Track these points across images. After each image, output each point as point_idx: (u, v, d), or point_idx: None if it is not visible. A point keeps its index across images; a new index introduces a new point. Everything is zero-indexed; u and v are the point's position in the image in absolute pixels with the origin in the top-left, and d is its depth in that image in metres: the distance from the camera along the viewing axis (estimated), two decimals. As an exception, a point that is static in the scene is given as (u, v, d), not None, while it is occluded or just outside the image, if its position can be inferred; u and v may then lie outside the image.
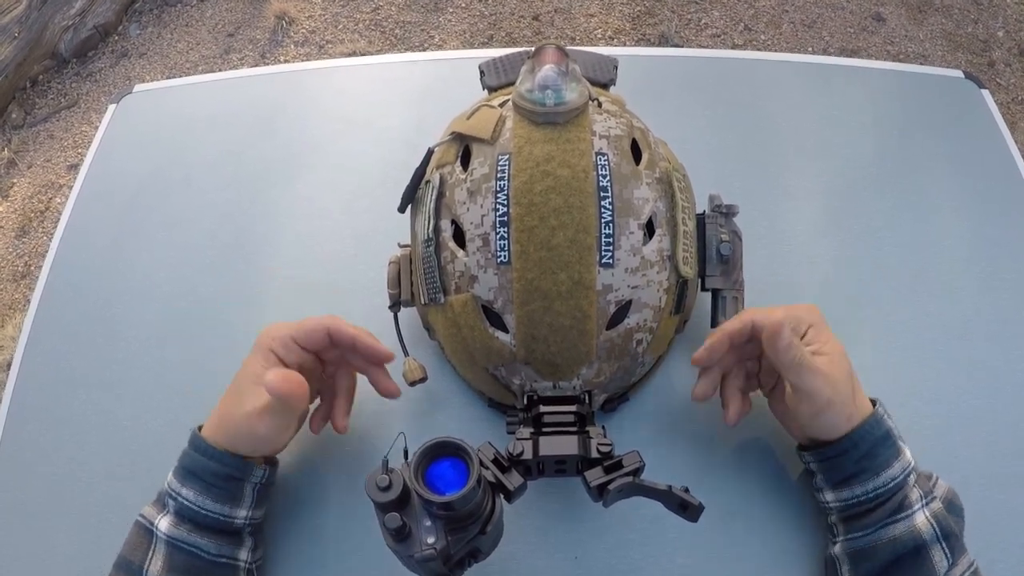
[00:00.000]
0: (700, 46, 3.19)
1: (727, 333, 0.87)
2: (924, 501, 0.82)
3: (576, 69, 0.85)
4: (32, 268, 2.87)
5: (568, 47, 0.91)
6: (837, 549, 0.86)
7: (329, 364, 0.95)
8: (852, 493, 0.84)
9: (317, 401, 0.96)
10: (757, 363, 0.93)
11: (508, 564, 0.92)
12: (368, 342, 0.89)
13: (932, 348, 1.07)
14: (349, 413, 0.95)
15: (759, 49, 3.16)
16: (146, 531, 0.84)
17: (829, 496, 0.87)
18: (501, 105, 0.88)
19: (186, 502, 0.84)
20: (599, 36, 3.23)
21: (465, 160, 0.87)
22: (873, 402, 0.87)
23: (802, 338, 0.86)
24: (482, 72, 1.00)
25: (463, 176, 0.85)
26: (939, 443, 0.98)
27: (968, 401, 1.03)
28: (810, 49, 3.16)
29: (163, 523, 0.84)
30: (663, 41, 3.19)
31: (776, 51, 3.12)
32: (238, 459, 0.85)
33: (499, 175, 0.82)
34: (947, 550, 0.80)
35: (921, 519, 0.81)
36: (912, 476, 0.83)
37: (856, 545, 0.84)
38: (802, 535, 0.93)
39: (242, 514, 0.86)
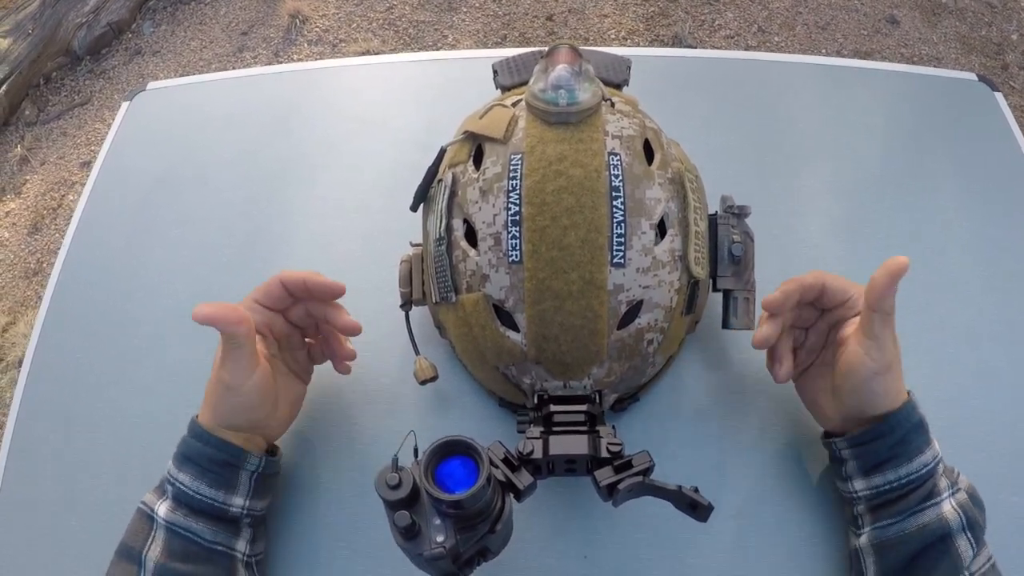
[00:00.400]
0: (713, 47, 3.18)
1: (801, 284, 0.89)
2: (951, 491, 0.82)
3: (589, 69, 0.85)
4: (44, 265, 2.88)
5: (582, 47, 0.91)
6: (863, 541, 0.86)
7: (306, 328, 0.97)
8: (885, 479, 0.84)
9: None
10: (803, 336, 0.95)
11: (517, 563, 0.92)
12: (318, 279, 0.91)
13: (942, 351, 1.06)
14: (344, 343, 0.97)
15: (772, 51, 3.15)
16: (147, 517, 0.85)
17: (859, 484, 0.87)
18: (514, 105, 0.88)
19: (182, 487, 0.85)
20: (612, 36, 3.23)
21: (478, 159, 0.87)
22: (907, 392, 0.87)
23: (856, 312, 0.88)
24: (495, 71, 1.00)
25: (475, 175, 0.85)
26: (947, 445, 0.98)
27: (977, 403, 1.03)
28: (824, 51, 3.15)
29: (162, 508, 0.85)
30: (676, 42, 3.19)
31: (789, 52, 3.12)
32: (231, 444, 0.86)
33: (511, 174, 0.82)
34: (972, 540, 0.80)
35: (948, 508, 0.81)
36: (941, 466, 0.84)
37: (884, 535, 0.84)
38: (813, 536, 0.93)
39: (238, 502, 0.87)
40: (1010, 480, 0.97)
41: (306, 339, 0.99)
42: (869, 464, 0.86)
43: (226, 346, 0.84)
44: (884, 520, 0.84)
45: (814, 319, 0.93)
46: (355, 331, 0.94)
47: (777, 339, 0.92)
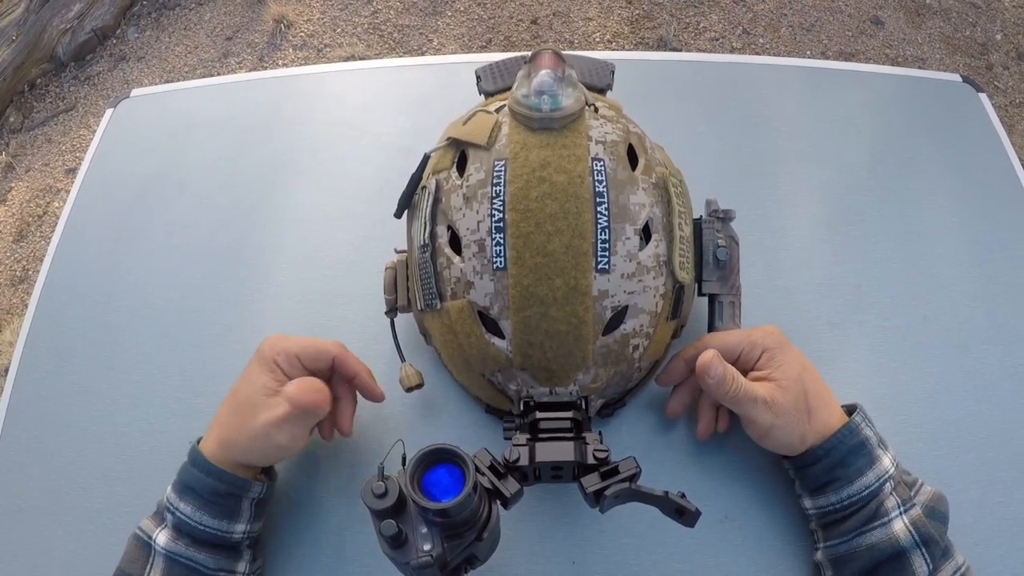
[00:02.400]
0: (698, 50, 3.19)
1: (683, 359, 0.94)
2: (902, 509, 0.83)
3: (572, 74, 0.85)
4: (30, 272, 2.87)
5: (565, 52, 0.91)
6: (819, 555, 0.88)
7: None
8: (827, 500, 0.86)
9: None
10: None
11: (505, 570, 0.92)
12: (368, 382, 0.93)
13: (928, 352, 1.07)
14: (353, 416, 0.95)
15: (757, 53, 3.16)
16: (144, 544, 0.85)
17: (807, 503, 0.90)
18: (497, 110, 0.88)
19: (184, 517, 0.84)
20: (597, 40, 3.23)
21: (461, 166, 0.87)
22: (853, 409, 0.89)
23: (755, 364, 0.90)
24: (479, 77, 1.00)
25: (459, 182, 0.85)
26: (935, 447, 0.99)
27: (964, 405, 1.03)
28: (808, 53, 3.16)
29: (161, 537, 0.84)
30: (661, 45, 3.19)
31: (774, 55, 3.13)
32: (236, 477, 0.86)
33: (495, 181, 0.82)
34: (927, 556, 0.81)
35: (899, 526, 0.82)
36: (888, 484, 0.84)
37: (836, 552, 0.85)
38: (799, 540, 0.93)
39: (240, 528, 0.87)
40: (998, 482, 0.98)
41: None
42: (812, 486, 0.88)
43: (296, 414, 0.84)
44: (834, 539, 0.86)
45: None
46: (343, 433, 0.95)
47: (699, 397, 0.97)
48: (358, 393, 0.96)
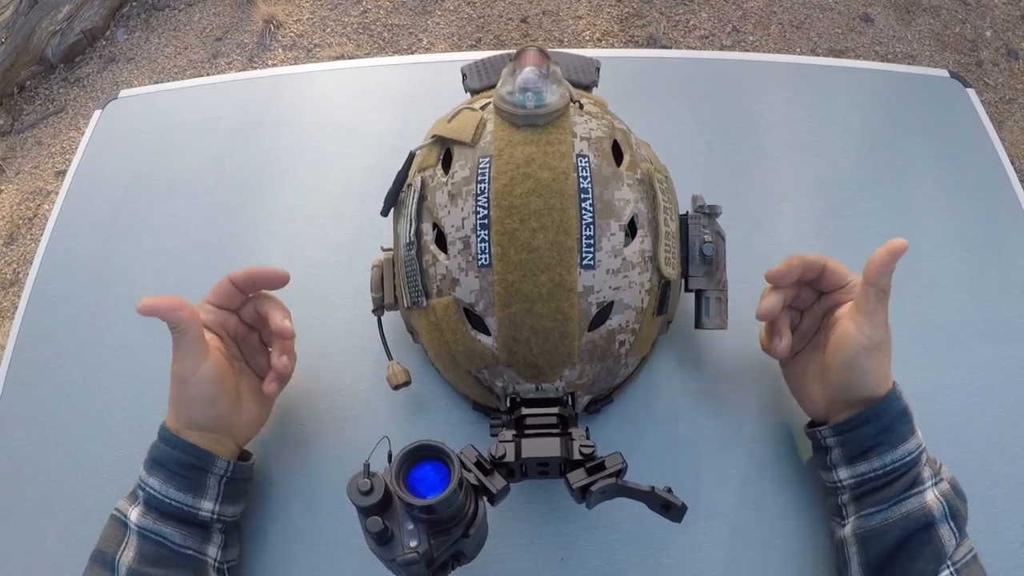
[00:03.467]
0: (688, 47, 3.19)
1: (804, 260, 0.91)
2: (934, 480, 0.84)
3: (557, 71, 0.85)
4: (21, 275, 2.86)
5: (550, 49, 0.91)
6: (847, 531, 0.87)
7: (261, 331, 0.98)
8: (870, 466, 0.85)
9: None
10: (798, 318, 0.96)
11: (494, 567, 0.92)
12: (260, 268, 0.92)
13: (917, 347, 1.07)
14: (288, 352, 0.94)
15: (747, 50, 3.16)
16: (120, 523, 0.86)
17: (843, 472, 0.88)
18: (483, 108, 0.88)
19: (152, 491, 0.85)
20: (587, 38, 3.23)
21: (446, 163, 0.87)
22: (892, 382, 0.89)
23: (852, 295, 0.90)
24: (464, 75, 1.00)
25: (444, 179, 0.85)
26: (927, 441, 0.98)
27: (954, 399, 1.03)
28: (798, 50, 3.16)
29: (134, 513, 0.86)
30: (651, 43, 3.19)
31: (764, 52, 3.13)
32: (198, 448, 0.87)
33: (479, 178, 0.82)
34: (954, 529, 0.81)
35: (931, 496, 0.82)
36: (924, 454, 0.85)
37: (868, 523, 0.84)
38: (788, 533, 0.94)
39: (207, 506, 0.87)
40: (988, 475, 0.98)
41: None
42: (854, 452, 0.87)
43: (173, 337, 0.86)
44: (868, 508, 0.85)
45: (811, 301, 0.95)
46: (287, 336, 0.93)
47: (778, 315, 0.94)
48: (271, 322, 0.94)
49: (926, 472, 0.84)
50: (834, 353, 0.87)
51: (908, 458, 0.84)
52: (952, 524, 0.81)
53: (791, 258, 0.91)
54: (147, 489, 0.86)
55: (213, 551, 0.88)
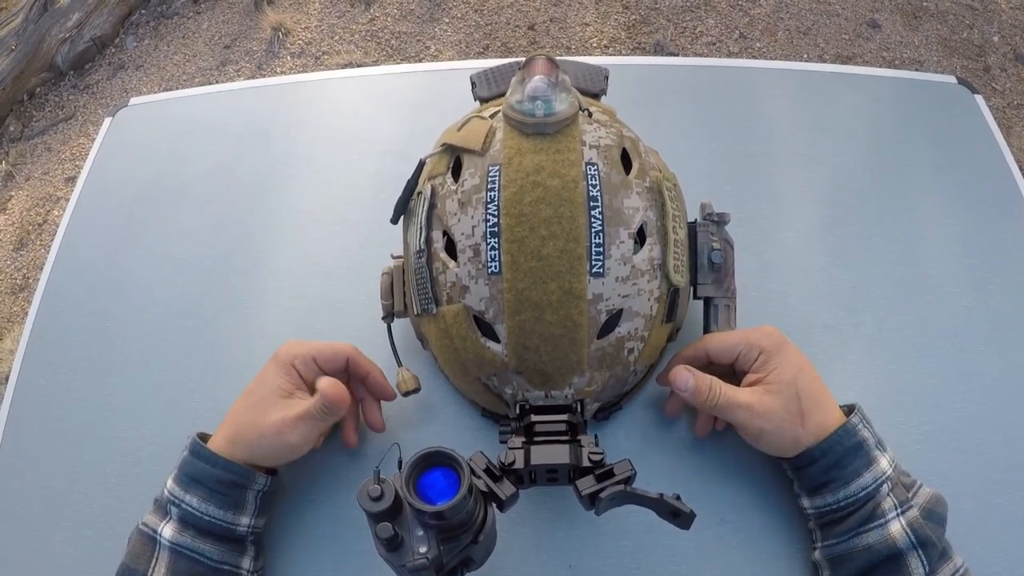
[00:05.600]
0: (695, 54, 3.19)
1: (683, 359, 0.95)
2: (899, 510, 0.83)
3: (566, 79, 0.85)
4: (31, 281, 2.87)
5: (559, 57, 0.91)
6: (817, 555, 0.88)
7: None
8: (824, 501, 0.86)
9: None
10: (731, 377, 0.94)
11: (502, 573, 0.92)
12: (380, 380, 0.96)
13: (925, 354, 1.07)
14: (358, 429, 0.99)
15: (754, 57, 3.16)
16: (149, 538, 0.85)
17: (806, 503, 0.90)
18: (492, 116, 0.88)
19: (190, 508, 0.85)
20: (594, 45, 3.24)
21: (456, 171, 0.87)
22: (851, 408, 0.89)
23: (752, 365, 0.91)
24: (473, 83, 1.00)
25: (454, 187, 0.85)
26: (932, 448, 0.99)
27: (961, 407, 1.03)
28: (805, 56, 3.16)
29: (167, 530, 0.85)
30: (658, 50, 3.20)
31: (771, 59, 3.13)
32: (242, 467, 0.87)
33: (489, 186, 0.82)
34: (924, 558, 0.81)
35: (896, 528, 0.82)
36: (886, 486, 0.84)
37: (833, 551, 0.86)
38: (794, 541, 0.93)
39: (245, 521, 0.88)
40: (995, 483, 0.98)
41: None
42: (809, 486, 0.88)
43: (314, 413, 0.88)
44: (831, 539, 0.86)
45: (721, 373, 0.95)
46: (379, 430, 0.99)
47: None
48: (363, 409, 0.99)
49: (887, 503, 0.83)
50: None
51: (862, 493, 0.84)
52: (921, 553, 0.81)
53: (673, 359, 0.97)
54: (184, 506, 0.85)
55: (247, 563, 0.89)
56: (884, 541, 0.81)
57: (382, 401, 0.99)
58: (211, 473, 0.86)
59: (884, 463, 0.85)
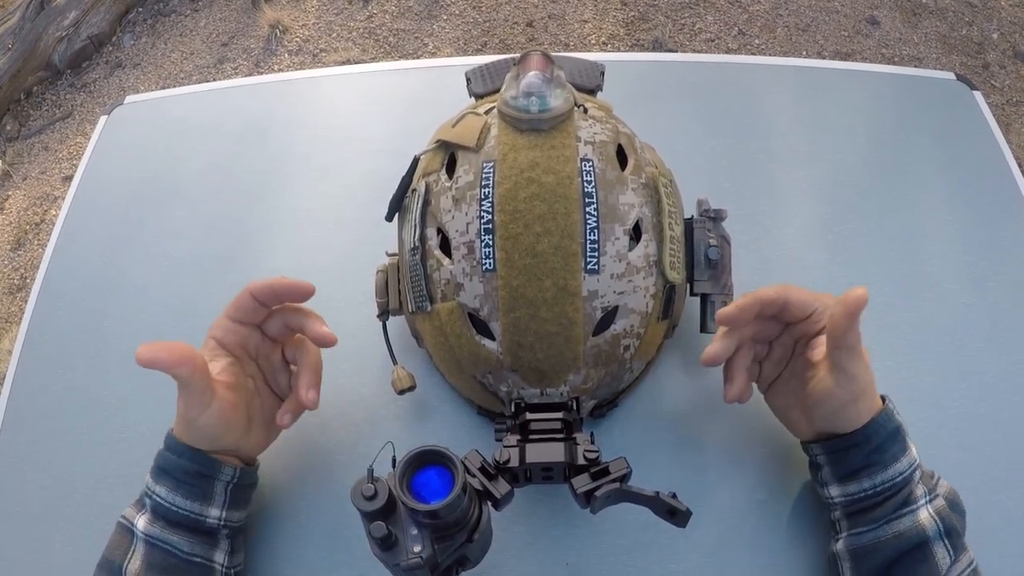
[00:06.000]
0: (694, 51, 3.19)
1: (760, 299, 0.86)
2: (928, 498, 0.82)
3: (561, 75, 0.85)
4: (28, 281, 2.87)
5: (554, 53, 0.91)
6: (840, 546, 0.86)
7: (287, 348, 0.94)
8: (860, 487, 0.84)
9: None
10: (766, 348, 0.92)
11: (498, 572, 0.92)
12: (284, 281, 0.88)
13: (925, 351, 1.06)
14: (316, 385, 0.91)
15: (753, 53, 3.16)
16: (127, 530, 0.86)
17: (834, 491, 0.86)
18: (487, 112, 0.88)
19: (159, 499, 0.85)
20: (593, 42, 3.24)
21: (451, 168, 0.87)
22: (883, 398, 0.86)
23: (821, 328, 0.86)
24: (468, 80, 1.00)
25: (448, 184, 0.85)
26: (932, 446, 0.98)
27: (961, 404, 1.03)
28: (804, 53, 3.16)
29: (140, 521, 0.85)
30: (657, 46, 3.19)
31: (770, 55, 3.13)
32: (206, 457, 0.86)
33: (484, 183, 0.82)
34: (949, 547, 0.80)
35: (925, 515, 0.81)
36: (918, 472, 0.83)
37: (860, 541, 0.83)
38: (794, 540, 0.93)
39: (214, 513, 0.87)
40: (994, 479, 0.98)
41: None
42: (844, 472, 0.85)
43: (179, 381, 0.82)
44: (859, 527, 0.84)
45: (777, 332, 0.92)
46: (329, 342, 0.90)
47: (733, 355, 0.90)
48: (306, 331, 0.91)
49: (919, 490, 0.82)
50: (815, 405, 0.85)
51: (899, 478, 0.82)
52: (947, 542, 0.80)
53: (746, 297, 0.86)
54: (154, 497, 0.85)
55: (220, 557, 0.88)
56: (914, 528, 0.80)
57: (308, 294, 0.90)
58: (176, 463, 0.85)
59: (914, 450, 0.84)
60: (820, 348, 0.85)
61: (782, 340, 0.91)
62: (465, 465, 0.71)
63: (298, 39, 3.38)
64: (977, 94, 1.35)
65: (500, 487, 0.76)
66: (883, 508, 0.82)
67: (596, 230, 0.81)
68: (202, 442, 0.86)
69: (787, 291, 0.86)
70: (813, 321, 0.87)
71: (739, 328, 0.88)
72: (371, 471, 0.70)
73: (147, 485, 0.86)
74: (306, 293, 0.89)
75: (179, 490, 0.85)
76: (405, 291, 0.92)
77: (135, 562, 0.83)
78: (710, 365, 0.89)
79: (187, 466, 0.85)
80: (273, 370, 0.94)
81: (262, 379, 0.93)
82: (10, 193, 3.12)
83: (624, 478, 0.75)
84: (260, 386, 0.92)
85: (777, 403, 0.93)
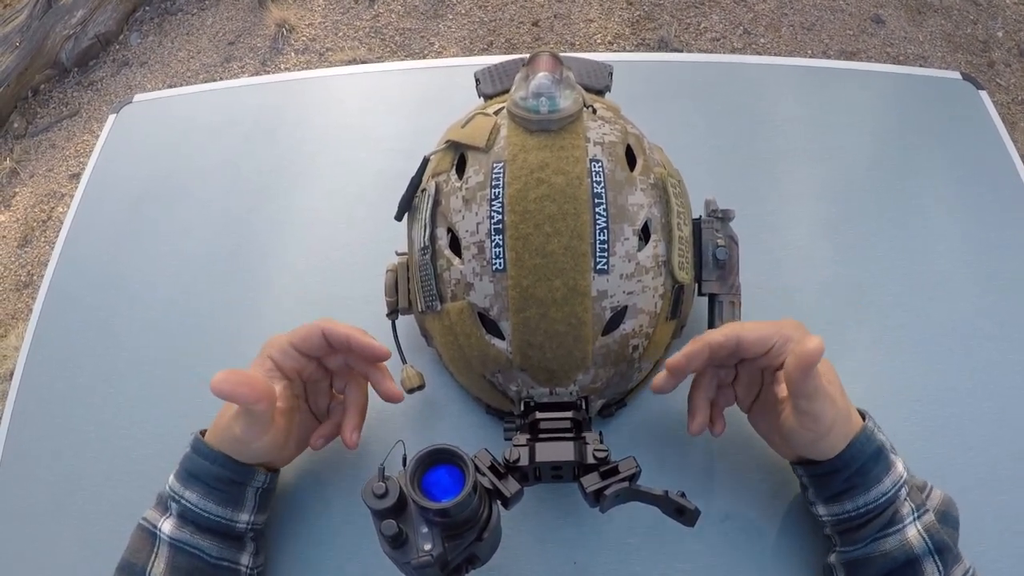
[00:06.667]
0: (699, 50, 3.19)
1: (709, 344, 0.84)
2: (916, 515, 0.81)
3: (570, 76, 0.85)
4: (35, 278, 2.87)
5: (562, 54, 0.91)
6: (834, 559, 0.86)
7: (337, 378, 0.95)
8: (843, 508, 0.83)
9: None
10: (732, 372, 0.91)
11: (507, 570, 0.92)
12: (362, 340, 0.88)
13: (930, 350, 1.07)
14: (360, 427, 0.93)
15: (758, 53, 3.15)
16: (149, 534, 0.85)
17: (822, 510, 0.86)
18: (496, 113, 0.88)
19: (189, 504, 0.85)
20: (598, 41, 3.23)
21: (460, 168, 0.87)
22: (862, 414, 0.85)
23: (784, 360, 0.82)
24: (477, 80, 1.01)
25: (458, 184, 0.85)
26: (938, 445, 0.98)
27: (967, 403, 1.03)
28: (809, 52, 3.16)
29: (166, 525, 0.85)
30: (662, 46, 3.19)
31: (775, 54, 3.12)
32: (239, 464, 0.86)
33: (494, 183, 0.82)
34: (939, 563, 0.79)
35: (913, 532, 0.80)
36: (904, 490, 0.82)
37: (851, 556, 0.83)
38: (800, 539, 0.93)
39: (244, 518, 0.87)
40: (1001, 480, 0.98)
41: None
42: (827, 494, 0.84)
43: (244, 409, 0.83)
44: (848, 545, 0.84)
45: (735, 370, 0.91)
46: (396, 400, 0.92)
47: (693, 388, 0.90)
48: (373, 383, 0.93)
49: (905, 508, 0.81)
50: (787, 440, 0.84)
51: (882, 499, 0.81)
52: (937, 558, 0.79)
53: (695, 342, 0.85)
54: (183, 502, 0.85)
55: (246, 559, 0.88)
56: (902, 547, 0.80)
57: (382, 360, 0.91)
58: (209, 470, 0.85)
59: (900, 466, 0.83)
60: (784, 392, 0.83)
61: (746, 368, 0.90)
62: (475, 464, 0.72)
63: (304, 38, 3.38)
64: (983, 93, 1.35)
65: (510, 486, 0.76)
66: (869, 528, 0.82)
67: (606, 230, 0.81)
68: (240, 457, 0.86)
69: (739, 331, 0.84)
70: (774, 355, 0.83)
71: (686, 375, 0.88)
72: (382, 470, 0.70)
73: (172, 489, 0.86)
74: (379, 357, 0.90)
75: (211, 496, 0.85)
76: (415, 290, 0.92)
77: (159, 565, 0.83)
78: (658, 393, 0.88)
79: (220, 472, 0.85)
80: (316, 393, 0.95)
81: (304, 399, 0.93)
82: (17, 190, 3.12)
83: (633, 477, 0.75)
84: (301, 404, 0.93)
85: (759, 427, 0.92)
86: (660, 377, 0.87)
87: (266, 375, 0.87)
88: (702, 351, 0.84)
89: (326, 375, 0.94)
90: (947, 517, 0.83)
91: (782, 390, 0.84)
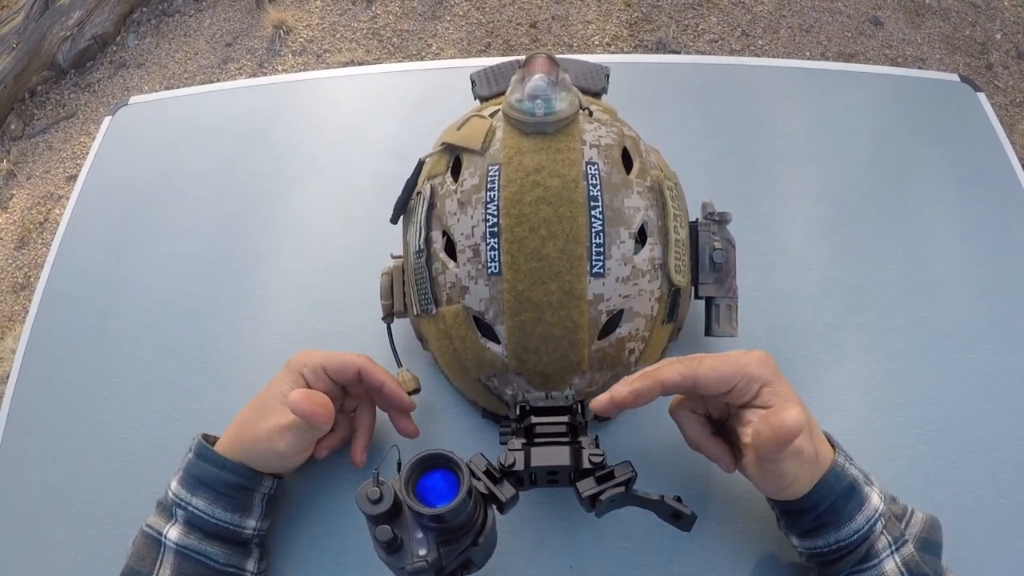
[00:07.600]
0: (697, 52, 3.19)
1: (662, 383, 0.79)
2: (894, 547, 0.79)
3: (566, 78, 0.84)
4: (32, 280, 2.87)
5: (559, 56, 0.91)
6: None
7: (351, 398, 0.96)
8: (814, 544, 0.81)
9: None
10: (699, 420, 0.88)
11: (502, 575, 0.92)
12: (395, 390, 0.92)
13: (929, 353, 1.06)
14: (368, 448, 0.96)
15: (757, 54, 3.15)
16: (153, 540, 0.85)
17: (795, 541, 0.84)
18: (492, 115, 0.88)
19: (196, 511, 0.85)
20: (596, 43, 3.23)
21: (456, 171, 0.87)
22: (832, 443, 0.82)
23: (753, 398, 0.79)
24: (473, 82, 1.00)
25: (453, 187, 0.85)
26: (935, 447, 0.98)
27: (964, 405, 1.02)
28: (808, 54, 3.16)
29: (172, 532, 0.85)
30: (660, 47, 3.19)
31: (773, 56, 3.12)
32: (248, 470, 0.87)
33: (489, 186, 0.82)
34: None
35: (891, 567, 0.78)
36: (880, 523, 0.79)
37: None
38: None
39: (251, 524, 0.88)
40: (999, 482, 0.97)
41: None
42: (799, 530, 0.83)
43: (299, 423, 0.84)
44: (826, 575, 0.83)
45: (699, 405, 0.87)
46: (413, 437, 0.97)
47: (675, 407, 0.88)
48: (392, 420, 0.97)
49: (881, 542, 0.79)
50: (750, 479, 0.82)
51: (855, 536, 0.78)
52: None
53: (644, 379, 0.80)
54: (190, 509, 0.85)
55: (252, 565, 0.89)
56: None
57: (407, 411, 0.96)
58: (218, 476, 0.85)
59: (875, 499, 0.80)
60: (748, 428, 0.79)
61: (708, 400, 0.86)
62: (470, 469, 0.71)
63: (302, 39, 3.38)
64: (981, 95, 1.35)
65: (505, 491, 0.76)
66: (844, 562, 0.80)
67: (601, 233, 0.81)
68: (261, 466, 0.88)
69: (697, 370, 0.79)
70: (737, 395, 0.79)
71: (629, 408, 0.82)
72: (376, 475, 0.70)
73: (177, 495, 0.86)
74: (406, 409, 0.96)
75: (219, 502, 0.85)
76: (410, 294, 0.92)
77: (164, 572, 0.83)
78: (596, 412, 0.83)
79: (229, 479, 0.86)
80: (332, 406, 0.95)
81: None
82: (14, 192, 3.12)
83: (629, 482, 0.75)
84: None
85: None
86: (603, 400, 0.81)
87: (292, 390, 0.87)
88: (652, 388, 0.79)
89: (341, 394, 0.95)
90: (928, 544, 0.81)
91: (744, 435, 0.80)
